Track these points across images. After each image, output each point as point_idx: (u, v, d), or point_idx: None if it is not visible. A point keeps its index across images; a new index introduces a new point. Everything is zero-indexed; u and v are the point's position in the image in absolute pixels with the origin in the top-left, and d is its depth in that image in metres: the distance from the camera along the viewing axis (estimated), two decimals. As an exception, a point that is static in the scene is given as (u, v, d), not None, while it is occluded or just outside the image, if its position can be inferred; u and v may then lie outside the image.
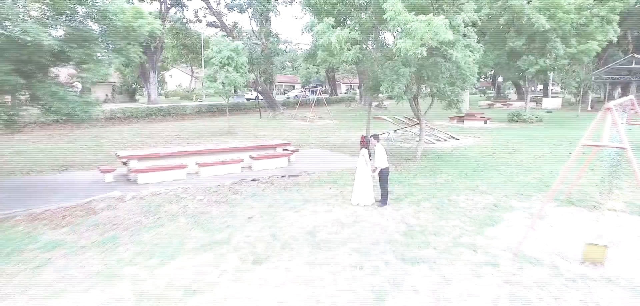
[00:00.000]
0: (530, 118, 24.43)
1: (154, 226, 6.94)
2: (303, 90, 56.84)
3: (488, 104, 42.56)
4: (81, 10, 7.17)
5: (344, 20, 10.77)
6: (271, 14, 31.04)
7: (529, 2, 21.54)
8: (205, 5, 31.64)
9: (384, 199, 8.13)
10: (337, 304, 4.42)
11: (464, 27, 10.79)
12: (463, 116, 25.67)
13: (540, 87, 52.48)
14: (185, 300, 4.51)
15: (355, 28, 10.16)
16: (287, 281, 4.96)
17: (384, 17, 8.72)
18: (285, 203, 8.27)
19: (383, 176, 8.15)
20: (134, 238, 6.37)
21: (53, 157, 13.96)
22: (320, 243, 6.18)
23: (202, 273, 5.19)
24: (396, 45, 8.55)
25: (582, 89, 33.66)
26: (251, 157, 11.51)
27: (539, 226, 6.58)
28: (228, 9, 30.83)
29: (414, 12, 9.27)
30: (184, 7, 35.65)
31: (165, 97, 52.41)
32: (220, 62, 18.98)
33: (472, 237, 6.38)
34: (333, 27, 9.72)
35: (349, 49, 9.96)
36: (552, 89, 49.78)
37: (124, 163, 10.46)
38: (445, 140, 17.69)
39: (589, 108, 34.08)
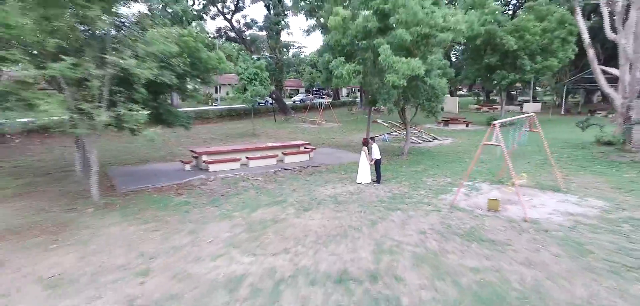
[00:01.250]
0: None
1: (236, 194, 11.14)
2: (307, 94, 60.89)
3: (476, 107, 46.78)
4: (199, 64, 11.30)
5: (351, 56, 14.95)
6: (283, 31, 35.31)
7: (500, 26, 25.74)
8: (228, 24, 35.89)
9: (378, 180, 12.32)
10: (351, 224, 8.60)
11: (439, 61, 15.00)
12: (448, 120, 29.88)
13: (527, 93, 56.75)
14: (274, 225, 8.68)
15: (360, 62, 14.36)
16: (323, 218, 9.13)
17: (379, 58, 12.90)
18: (314, 182, 12.47)
19: (377, 164, 12.34)
20: (228, 200, 10.56)
21: (128, 153, 18.17)
22: (339, 202, 10.35)
23: (276, 214, 9.37)
24: (386, 78, 12.72)
25: (555, 95, 37.86)
26: (283, 153, 15.73)
27: (469, 192, 10.78)
28: (247, 28, 35.14)
29: (403, 53, 13.45)
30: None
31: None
32: (248, 77, 23.18)
33: (429, 199, 10.56)
34: (344, 62, 13.95)
35: (354, 77, 14.19)
36: (534, 95, 53.92)
37: (195, 157, 14.67)
38: (429, 141, 21.89)
39: (562, 112, 38.28)
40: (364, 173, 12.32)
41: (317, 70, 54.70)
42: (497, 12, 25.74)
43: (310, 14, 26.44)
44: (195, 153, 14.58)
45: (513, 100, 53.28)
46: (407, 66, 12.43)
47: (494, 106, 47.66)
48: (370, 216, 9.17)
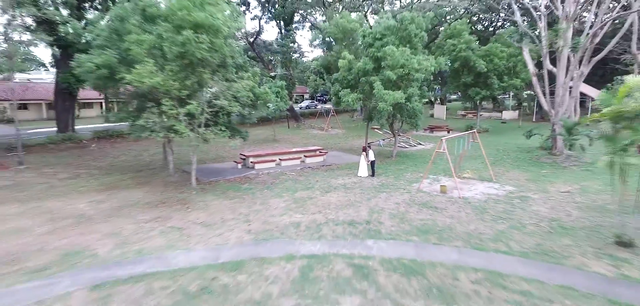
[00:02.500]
0: (478, 128, 34.36)
1: (280, 183, 16.85)
2: (313, 101, 66.55)
3: (461, 114, 52.53)
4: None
5: (354, 87, 20.69)
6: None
7: (473, 52, 31.46)
8: (250, 47, 41.65)
9: (372, 174, 18.01)
10: (355, 200, 14.27)
11: (417, 91, 20.72)
12: (434, 127, 35.61)
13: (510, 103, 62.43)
14: (309, 200, 14.34)
15: (360, 92, 20.09)
16: (338, 197, 14.80)
17: (373, 91, 18.62)
18: (329, 176, 18.18)
19: (373, 164, 18.04)
20: (276, 186, 16.24)
21: (188, 155, 23.80)
22: (347, 188, 16.03)
23: (309, 194, 15.06)
24: (379, 105, 18.45)
25: (525, 104, 43.62)
26: (305, 155, 21.43)
27: (432, 182, 16.52)
28: (267, 50, 41.02)
29: (391, 85, 19.13)
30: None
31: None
32: (273, 94, 28.86)
33: (405, 186, 16.24)
34: (349, 92, 19.70)
35: (357, 102, 19.92)
36: (504, 106, 59.45)
37: (243, 159, 20.36)
38: (414, 146, 27.61)
39: (534, 120, 43.99)
40: (363, 169, 18.02)
41: (320, 77, 60.54)
42: (471, 41, 31.45)
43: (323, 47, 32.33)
44: (244, 155, 20.29)
45: (499, 106, 58.89)
46: (392, 97, 18.14)
47: (479, 113, 53.45)
48: (367, 195, 14.87)
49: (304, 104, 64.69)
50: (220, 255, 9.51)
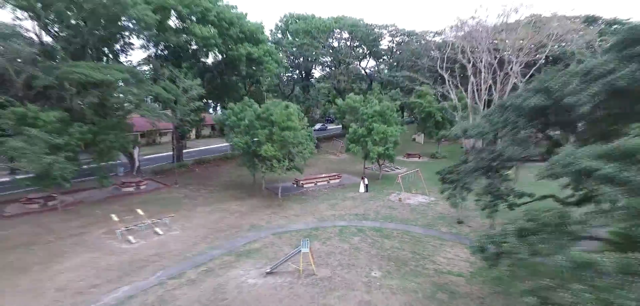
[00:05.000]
0: (439, 154, 50.56)
1: (320, 195, 33.11)
2: (323, 125, 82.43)
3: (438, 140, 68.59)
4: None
5: (357, 141, 36.86)
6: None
7: (432, 105, 47.66)
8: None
9: (366, 191, 34.24)
10: (358, 204, 30.45)
11: (392, 145, 37.05)
12: (410, 154, 51.90)
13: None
14: (341, 203, 30.55)
15: (361, 145, 36.35)
16: (349, 202, 30.97)
17: (367, 147, 34.84)
18: (343, 191, 34.42)
19: (367, 186, 34.30)
20: (318, 197, 32.45)
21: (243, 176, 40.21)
22: (354, 198, 32.20)
23: (335, 202, 31.25)
24: (369, 153, 34.63)
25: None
26: (329, 178, 37.69)
27: (398, 195, 32.84)
28: (285, 85, 57.54)
29: (378, 143, 35.36)
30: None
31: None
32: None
33: (382, 198, 32.41)
34: (355, 145, 35.96)
35: (357, 150, 36.27)
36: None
37: (297, 182, 36.60)
38: (393, 170, 43.83)
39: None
40: (362, 188, 34.21)
41: (329, 102, 76.86)
42: (432, 100, 47.64)
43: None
44: (297, 179, 36.45)
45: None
46: (376, 150, 34.41)
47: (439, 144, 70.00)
48: (363, 202, 31.07)
49: (317, 126, 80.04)
50: (307, 226, 25.76)
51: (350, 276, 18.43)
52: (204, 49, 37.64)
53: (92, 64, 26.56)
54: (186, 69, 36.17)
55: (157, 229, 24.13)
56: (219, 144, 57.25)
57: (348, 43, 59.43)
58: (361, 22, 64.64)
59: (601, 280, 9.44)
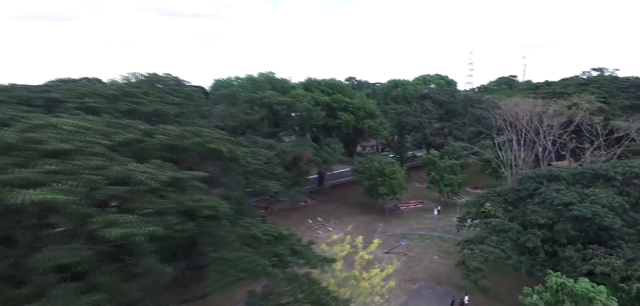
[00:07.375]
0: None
1: (414, 214, 57.83)
2: (412, 153, 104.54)
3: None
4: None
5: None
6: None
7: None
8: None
9: (438, 214, 57.68)
10: (432, 221, 54.21)
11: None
12: (476, 187, 72.65)
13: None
14: (422, 220, 54.85)
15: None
16: (428, 220, 54.90)
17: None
18: (424, 213, 58.46)
19: (439, 210, 57.79)
20: (413, 216, 57.09)
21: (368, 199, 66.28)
22: (431, 218, 56.02)
23: (421, 219, 55.57)
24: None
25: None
26: (416, 204, 61.88)
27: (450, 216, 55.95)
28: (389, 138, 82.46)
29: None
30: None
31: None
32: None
33: (449, 218, 55.64)
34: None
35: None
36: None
37: (396, 205, 61.57)
38: (461, 198, 65.73)
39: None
40: (435, 212, 57.65)
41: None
42: (490, 150, 67.93)
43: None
44: (397, 204, 61.22)
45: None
46: (445, 191, 57.57)
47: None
48: (435, 221, 54.73)
49: (408, 154, 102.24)
50: (402, 232, 50.74)
51: (423, 256, 43.06)
52: (343, 126, 64.90)
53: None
54: (333, 137, 63.74)
55: (329, 228, 51.62)
56: (343, 169, 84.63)
57: (431, 106, 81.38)
58: (445, 79, 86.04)
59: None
